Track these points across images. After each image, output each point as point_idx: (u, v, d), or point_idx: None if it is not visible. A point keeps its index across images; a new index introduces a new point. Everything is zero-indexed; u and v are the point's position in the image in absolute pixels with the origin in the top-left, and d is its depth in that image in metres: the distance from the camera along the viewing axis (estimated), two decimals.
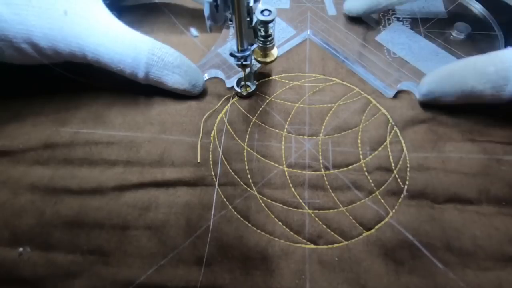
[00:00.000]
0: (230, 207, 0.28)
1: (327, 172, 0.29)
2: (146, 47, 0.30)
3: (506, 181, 0.28)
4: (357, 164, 0.30)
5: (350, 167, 0.30)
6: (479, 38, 0.38)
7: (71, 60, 0.30)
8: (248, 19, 0.28)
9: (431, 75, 0.31)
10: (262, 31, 0.30)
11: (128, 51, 0.29)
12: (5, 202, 0.28)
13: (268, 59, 0.32)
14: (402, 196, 0.28)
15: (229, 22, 0.29)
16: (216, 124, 0.32)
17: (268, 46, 0.31)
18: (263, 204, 0.28)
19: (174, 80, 0.31)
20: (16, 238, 0.27)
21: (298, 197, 0.28)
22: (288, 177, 0.29)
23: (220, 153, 0.30)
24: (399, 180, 0.29)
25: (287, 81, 0.35)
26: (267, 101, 0.33)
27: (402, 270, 0.25)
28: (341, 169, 0.30)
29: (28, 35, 0.28)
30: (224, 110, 0.33)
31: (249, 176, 0.29)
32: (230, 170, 0.30)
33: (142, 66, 0.30)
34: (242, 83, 0.33)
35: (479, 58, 0.29)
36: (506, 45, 0.37)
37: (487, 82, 0.28)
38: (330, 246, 0.27)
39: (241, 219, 0.28)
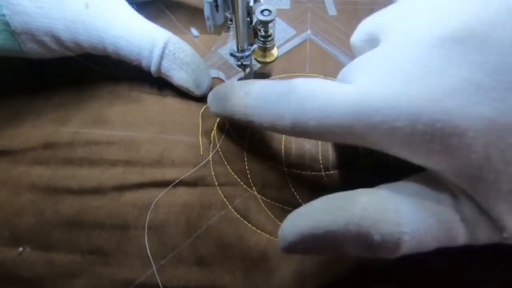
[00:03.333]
0: (230, 207, 0.28)
1: (327, 172, 0.29)
2: (162, 40, 0.30)
3: None
4: (357, 164, 0.30)
5: (350, 167, 0.30)
6: None
7: (91, 52, 0.31)
8: (248, 19, 0.28)
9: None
10: (262, 31, 0.30)
11: (147, 44, 0.30)
12: (5, 202, 0.28)
13: (268, 59, 0.32)
14: None
15: (229, 22, 0.29)
16: (216, 124, 0.32)
17: (268, 46, 0.31)
18: (263, 205, 0.28)
19: (179, 76, 0.31)
20: (16, 238, 0.27)
21: (298, 197, 0.28)
22: (288, 178, 0.29)
23: (220, 153, 0.30)
24: None
25: None
26: None
27: (401, 270, 0.25)
28: (341, 170, 0.29)
29: (51, 28, 0.28)
30: None
31: (249, 176, 0.29)
32: (230, 170, 0.30)
33: (155, 59, 0.30)
34: None
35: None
36: None
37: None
38: None
39: (241, 219, 0.28)
